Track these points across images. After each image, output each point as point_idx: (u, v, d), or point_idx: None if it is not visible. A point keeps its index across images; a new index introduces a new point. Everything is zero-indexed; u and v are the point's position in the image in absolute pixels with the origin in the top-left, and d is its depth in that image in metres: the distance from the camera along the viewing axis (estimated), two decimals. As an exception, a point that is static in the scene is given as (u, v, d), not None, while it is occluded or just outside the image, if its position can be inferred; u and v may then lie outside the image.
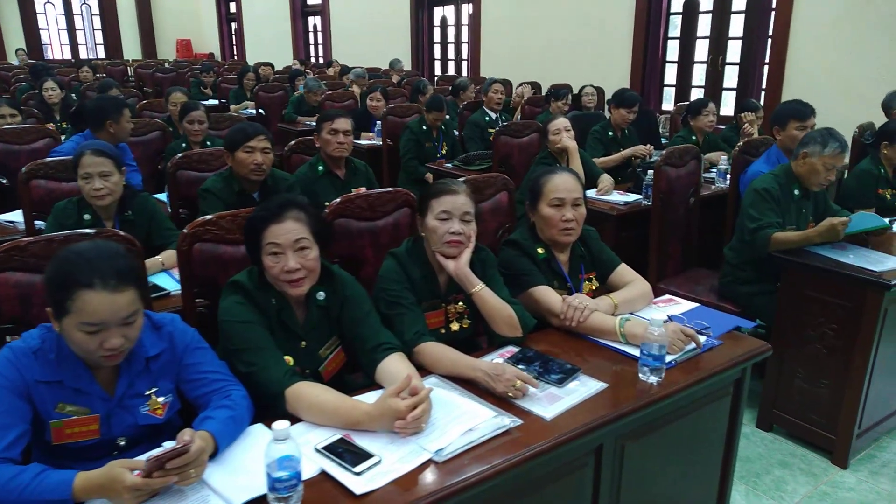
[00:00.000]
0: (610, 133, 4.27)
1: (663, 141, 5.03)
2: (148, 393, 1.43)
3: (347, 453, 1.32)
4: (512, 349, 1.79)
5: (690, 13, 6.33)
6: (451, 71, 9.44)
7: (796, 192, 2.77)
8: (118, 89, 5.56)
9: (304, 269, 1.58)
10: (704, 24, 6.26)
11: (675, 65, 6.54)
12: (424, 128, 4.65)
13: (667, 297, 2.16)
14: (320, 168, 3.12)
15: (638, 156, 4.09)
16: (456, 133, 5.47)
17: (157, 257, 2.31)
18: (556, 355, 1.79)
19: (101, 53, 14.74)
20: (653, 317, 1.94)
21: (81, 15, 14.54)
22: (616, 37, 6.70)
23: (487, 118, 5.11)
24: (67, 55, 14.34)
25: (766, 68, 5.65)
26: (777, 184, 2.75)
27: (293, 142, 3.38)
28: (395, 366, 1.58)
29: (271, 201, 1.62)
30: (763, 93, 5.70)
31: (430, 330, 1.86)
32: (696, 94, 6.42)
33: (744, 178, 3.25)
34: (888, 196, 3.45)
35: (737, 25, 6.02)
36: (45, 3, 13.93)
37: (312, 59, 12.28)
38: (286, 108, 6.30)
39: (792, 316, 2.62)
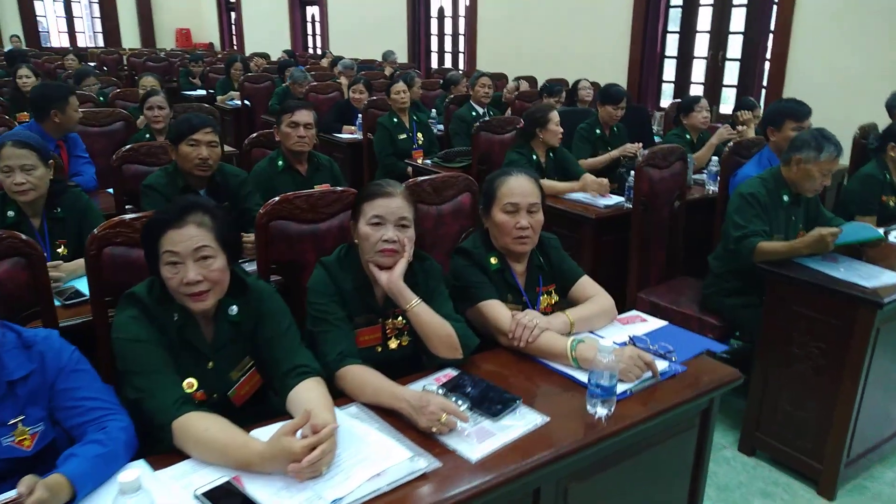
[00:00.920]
0: (597, 131, 4.05)
1: (657, 139, 4.80)
2: (13, 422, 1.25)
3: (229, 502, 1.14)
4: (450, 373, 1.60)
5: (690, 6, 6.09)
6: (448, 64, 9.23)
7: (785, 198, 2.56)
8: (95, 77, 5.38)
9: (206, 281, 1.39)
10: (705, 18, 6.02)
11: (675, 60, 6.31)
12: (395, 120, 4.44)
13: (633, 313, 1.96)
14: (280, 163, 2.94)
15: (627, 155, 3.87)
16: (440, 127, 5.29)
17: (81, 259, 2.13)
18: (505, 379, 1.60)
19: (101, 42, 14.59)
20: (614, 337, 1.76)
21: (80, 2, 14.38)
22: (614, 30, 6.47)
23: (474, 113, 4.91)
24: (66, 43, 14.19)
25: (767, 64, 5.42)
26: (765, 189, 2.55)
27: (254, 134, 3.19)
28: (305, 394, 1.40)
29: (173, 203, 1.43)
30: (764, 90, 5.47)
31: (366, 348, 1.68)
32: (696, 90, 6.19)
33: (734, 181, 3.04)
34: (892, 203, 3.23)
35: (738, 19, 5.78)
36: (42, -10, 13.78)
37: (311, 50, 12.08)
38: (271, 99, 6.12)
39: (777, 332, 2.42)
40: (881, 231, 2.37)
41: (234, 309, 1.50)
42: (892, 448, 2.58)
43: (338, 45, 11.15)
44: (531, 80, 6.77)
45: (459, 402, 1.43)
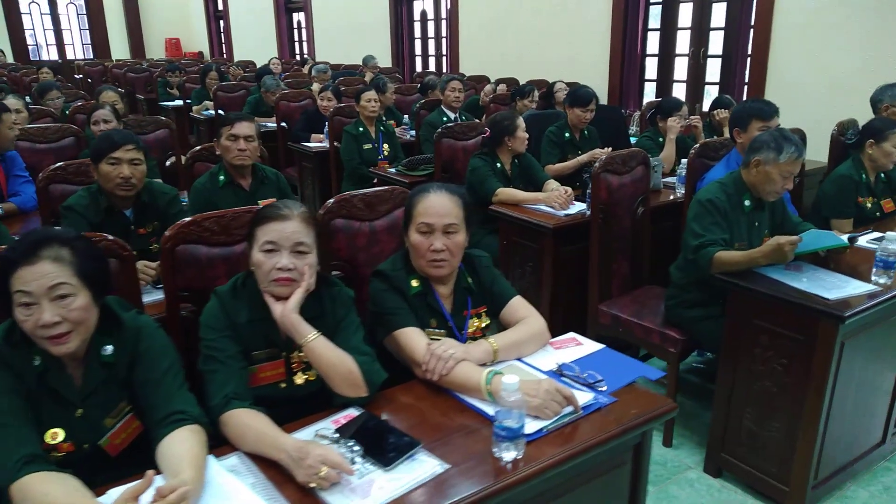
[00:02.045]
0: (567, 135, 3.90)
1: (633, 141, 4.65)
2: None
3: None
4: (351, 413, 1.46)
5: (671, 3, 5.93)
6: (432, 67, 9.09)
7: (747, 202, 2.41)
8: (59, 91, 5.26)
9: (67, 322, 1.26)
10: (686, 15, 5.87)
11: (657, 58, 6.15)
12: (361, 129, 4.31)
13: (568, 336, 1.81)
14: (222, 178, 2.80)
15: (596, 160, 3.72)
16: (413, 133, 5.15)
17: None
18: (420, 414, 1.48)
19: (90, 54, 14.53)
20: (543, 364, 1.62)
21: (67, 15, 14.32)
22: (594, 30, 6.32)
23: (445, 118, 4.77)
24: (55, 55, 14.14)
25: (748, 60, 5.26)
26: (724, 194, 2.40)
27: (197, 148, 3.06)
28: (173, 447, 1.26)
29: (25, 236, 1.30)
30: (746, 87, 5.32)
31: (268, 385, 1.55)
32: (678, 88, 6.04)
33: (701, 185, 2.89)
34: (868, 205, 3.08)
35: (719, 15, 5.62)
36: (29, 3, 13.71)
37: (297, 57, 11.97)
38: (244, 107, 6.00)
39: (738, 347, 2.27)
40: (845, 238, 2.21)
41: (109, 349, 1.36)
42: (866, 466, 2.43)
43: (323, 50, 11.05)
44: (513, 83, 6.62)
45: (354, 449, 1.29)
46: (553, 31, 6.77)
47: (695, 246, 2.34)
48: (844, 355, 2.08)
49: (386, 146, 4.34)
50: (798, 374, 2.12)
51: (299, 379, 1.58)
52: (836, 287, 2.12)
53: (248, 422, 1.34)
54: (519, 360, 1.67)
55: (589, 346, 1.75)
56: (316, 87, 6.30)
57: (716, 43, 5.68)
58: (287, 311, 1.47)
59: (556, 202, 3.05)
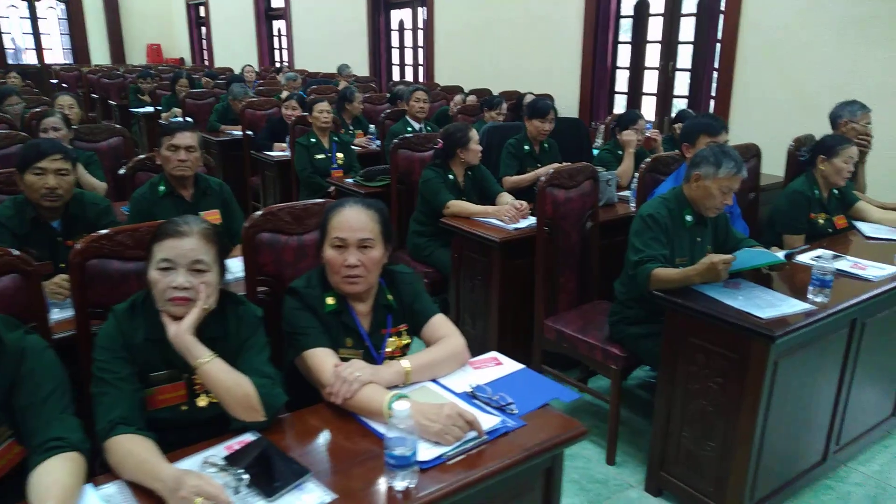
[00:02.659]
0: (526, 147, 3.88)
1: (595, 153, 4.64)
2: None
3: None
4: (246, 439, 1.40)
5: (641, 16, 5.95)
6: (409, 77, 9.08)
7: (688, 218, 2.39)
8: (18, 96, 5.18)
9: None
10: (656, 29, 5.89)
11: (627, 71, 6.17)
12: (313, 140, 4.27)
13: (489, 355, 1.77)
14: (161, 188, 2.75)
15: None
16: (378, 143, 5.12)
17: None
18: (324, 438, 1.42)
19: (71, 58, 14.40)
20: (458, 386, 1.59)
21: (47, 19, 14.19)
22: (566, 43, 6.32)
23: (410, 129, 4.74)
24: (35, 60, 14.00)
25: (715, 74, 5.28)
26: (666, 209, 2.38)
27: (140, 157, 3.00)
28: (44, 477, 1.20)
29: None
30: (713, 101, 5.33)
31: (168, 407, 1.49)
32: (648, 101, 6.06)
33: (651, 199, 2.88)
34: (821, 221, 3.08)
35: (687, 29, 5.65)
36: (8, 6, 13.57)
37: (277, 64, 11.92)
38: (211, 115, 5.94)
39: (675, 366, 2.24)
40: (781, 255, 2.19)
41: (-11, 371, 1.31)
42: (807, 484, 2.41)
43: (302, 58, 11.01)
44: (486, 94, 6.60)
45: (242, 477, 1.24)
46: (527, 43, 6.78)
47: (634, 262, 2.31)
48: (779, 374, 2.06)
49: (340, 156, 4.30)
50: (732, 394, 2.09)
51: (202, 401, 1.53)
52: (770, 305, 2.10)
53: (130, 448, 1.29)
54: (434, 381, 1.63)
55: (509, 367, 1.71)
56: (285, 95, 6.25)
57: (685, 57, 5.70)
58: (180, 332, 1.42)
59: (506, 216, 3.02)
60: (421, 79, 8.62)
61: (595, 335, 2.61)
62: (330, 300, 1.68)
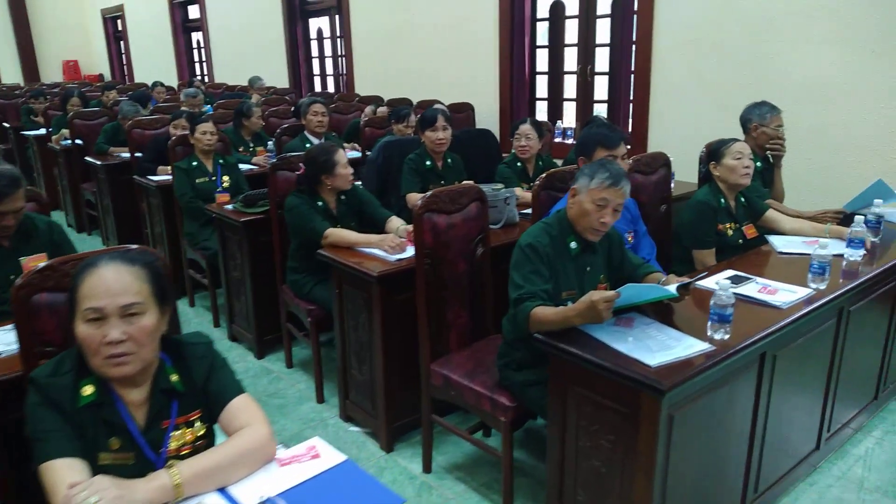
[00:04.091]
0: (427, 162, 3.55)
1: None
2: None
3: None
4: None
5: (556, 19, 5.71)
6: (331, 88, 8.68)
7: (573, 245, 2.09)
8: None
9: None
10: (572, 31, 5.66)
11: (546, 76, 5.92)
12: (195, 164, 3.85)
13: (308, 444, 1.39)
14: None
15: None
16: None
17: None
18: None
19: (-21, 77, 13.51)
20: (250, 498, 1.22)
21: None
22: (483, 49, 6.04)
23: (308, 145, 4.35)
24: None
25: (632, 77, 5.07)
26: (548, 236, 2.07)
27: None
28: None
29: None
30: (631, 104, 5.11)
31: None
32: (569, 106, 5.82)
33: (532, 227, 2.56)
34: (730, 231, 2.84)
35: (603, 31, 5.43)
36: None
37: (198, 78, 11.34)
38: (99, 136, 5.43)
39: (564, 419, 1.93)
40: (673, 288, 1.90)
41: None
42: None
43: (222, 71, 10.50)
44: (406, 104, 6.26)
45: None
46: (445, 50, 6.47)
47: (514, 299, 2.00)
48: (676, 428, 1.76)
49: (226, 178, 3.88)
50: (626, 453, 1.78)
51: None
52: (664, 348, 1.80)
53: None
54: (222, 490, 1.25)
55: (328, 460, 1.34)
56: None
57: (602, 60, 5.48)
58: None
59: (389, 245, 2.67)
60: (342, 89, 8.24)
61: (483, 381, 2.28)
62: (87, 390, 1.29)
